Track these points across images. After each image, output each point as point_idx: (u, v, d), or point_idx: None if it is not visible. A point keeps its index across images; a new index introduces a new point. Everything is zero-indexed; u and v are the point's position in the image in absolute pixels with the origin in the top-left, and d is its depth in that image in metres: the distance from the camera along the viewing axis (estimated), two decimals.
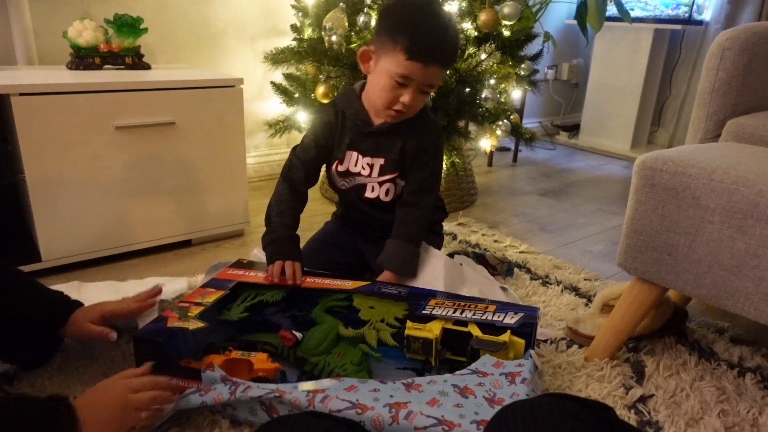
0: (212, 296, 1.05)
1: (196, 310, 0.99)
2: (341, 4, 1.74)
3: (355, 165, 1.21)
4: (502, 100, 1.95)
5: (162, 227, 1.54)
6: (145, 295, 1.05)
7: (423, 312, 1.01)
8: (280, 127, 2.04)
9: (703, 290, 0.96)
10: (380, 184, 1.22)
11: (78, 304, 1.03)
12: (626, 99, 3.01)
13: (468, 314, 1.00)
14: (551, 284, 1.47)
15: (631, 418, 0.97)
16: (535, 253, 1.68)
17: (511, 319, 0.97)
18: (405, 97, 1.08)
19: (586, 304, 1.37)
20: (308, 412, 0.70)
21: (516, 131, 2.08)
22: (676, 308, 1.21)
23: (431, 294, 1.07)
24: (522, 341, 0.96)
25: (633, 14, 2.83)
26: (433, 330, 0.98)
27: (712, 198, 0.91)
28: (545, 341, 1.19)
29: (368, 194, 1.23)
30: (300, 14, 1.97)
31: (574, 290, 1.44)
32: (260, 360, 0.95)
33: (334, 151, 1.22)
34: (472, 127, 2.02)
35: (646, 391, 1.04)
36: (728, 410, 1.00)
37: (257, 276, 1.13)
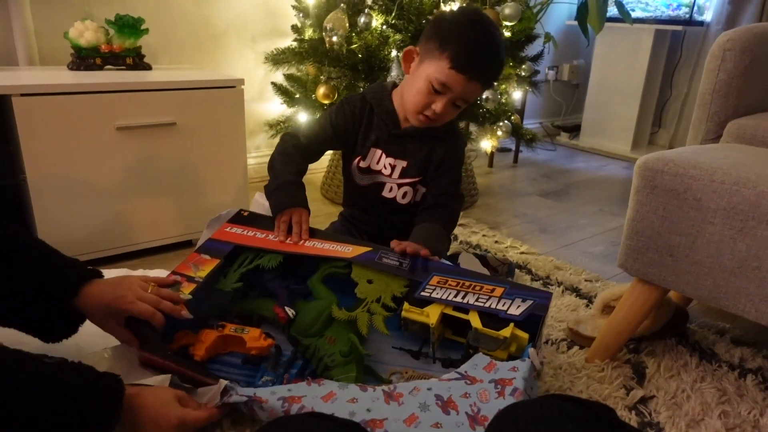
0: (207, 267, 1.02)
1: (188, 288, 0.96)
2: (342, 4, 1.74)
3: (377, 163, 1.20)
4: (503, 100, 1.95)
5: (163, 227, 1.54)
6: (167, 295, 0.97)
7: (422, 294, 0.95)
8: (281, 127, 2.04)
9: (704, 291, 0.96)
10: (399, 185, 1.20)
11: (94, 274, 0.95)
12: (627, 100, 3.01)
13: (471, 299, 0.93)
14: (552, 285, 1.47)
15: (632, 420, 0.97)
16: (535, 254, 1.68)
17: (516, 309, 0.90)
18: (437, 105, 1.07)
19: (587, 305, 1.37)
20: (310, 413, 0.70)
21: (517, 132, 2.08)
22: (677, 309, 1.21)
23: (435, 268, 1.00)
24: (525, 336, 0.89)
25: (634, 15, 2.83)
26: (431, 315, 0.93)
27: (713, 199, 0.91)
28: (545, 342, 1.19)
29: (385, 193, 1.22)
30: (301, 15, 1.98)
31: (575, 291, 1.44)
32: (253, 338, 0.94)
33: (356, 146, 1.20)
34: (472, 128, 2.02)
35: (647, 392, 1.04)
36: (729, 412, 1.00)
37: (256, 237, 1.09)
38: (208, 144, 1.55)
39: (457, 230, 1.82)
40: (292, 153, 1.17)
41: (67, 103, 1.31)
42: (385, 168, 1.20)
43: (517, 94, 2.07)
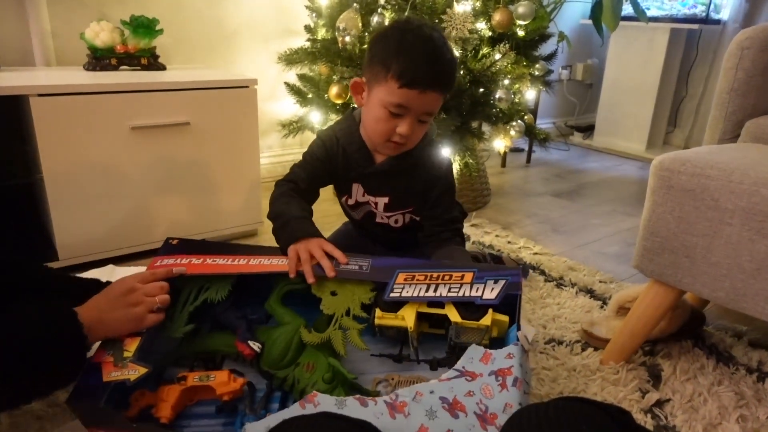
0: None
1: (132, 345, 0.84)
2: (355, 4, 1.74)
3: (363, 196, 1.15)
4: (516, 100, 1.93)
5: (176, 226, 1.55)
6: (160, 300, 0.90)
7: (392, 296, 0.88)
8: (294, 127, 2.04)
9: (721, 293, 0.94)
10: (388, 216, 1.16)
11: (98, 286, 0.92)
12: (641, 99, 2.98)
13: (443, 291, 0.87)
14: (566, 286, 1.45)
15: (648, 423, 0.96)
16: (549, 254, 1.67)
17: (491, 293, 0.85)
18: (402, 128, 0.99)
19: (602, 307, 1.35)
20: (323, 412, 0.70)
21: (530, 132, 2.07)
22: (693, 311, 1.20)
23: (397, 264, 0.93)
24: (505, 318, 0.86)
25: (649, 13, 2.80)
26: (407, 318, 0.87)
27: (731, 200, 0.90)
28: (552, 343, 1.18)
29: (378, 220, 1.19)
30: (314, 15, 1.98)
31: (589, 292, 1.43)
32: (222, 383, 0.85)
33: (340, 184, 1.17)
34: (485, 128, 2.01)
35: (663, 395, 1.03)
36: (747, 415, 0.98)
37: (192, 264, 0.96)
38: (222, 143, 1.56)
39: (469, 230, 1.81)
40: (293, 195, 1.09)
41: (83, 103, 1.32)
42: (370, 203, 1.15)
43: (530, 94, 2.05)
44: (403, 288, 0.89)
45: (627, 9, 2.58)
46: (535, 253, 1.67)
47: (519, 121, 1.97)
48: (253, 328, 0.93)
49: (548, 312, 1.32)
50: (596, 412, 0.56)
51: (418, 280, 0.89)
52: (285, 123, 2.08)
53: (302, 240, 0.96)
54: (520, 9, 1.74)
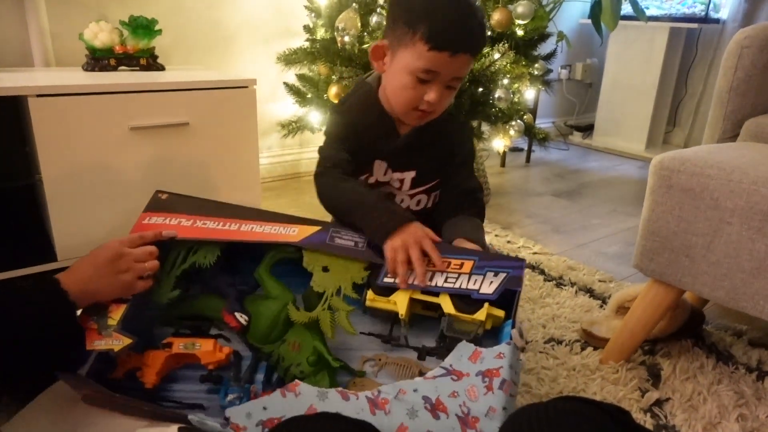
0: None
1: (117, 312, 0.82)
2: (354, 4, 1.74)
3: (384, 175, 1.06)
4: (516, 100, 1.93)
5: None
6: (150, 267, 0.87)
7: (385, 281, 0.85)
8: (293, 127, 2.05)
9: (721, 292, 0.94)
10: (412, 196, 1.08)
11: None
12: (641, 99, 2.98)
13: (439, 280, 0.84)
14: (565, 286, 1.45)
15: (647, 422, 0.96)
16: (548, 254, 1.67)
17: (489, 287, 0.82)
18: (431, 95, 0.92)
19: (601, 306, 1.35)
20: (323, 413, 0.70)
21: (529, 131, 2.07)
22: (692, 310, 1.19)
23: None
24: (501, 313, 0.83)
25: (648, 13, 2.80)
26: (399, 304, 0.84)
27: (730, 199, 0.90)
28: (552, 342, 1.18)
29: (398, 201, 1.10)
30: (313, 15, 1.98)
31: (589, 292, 1.43)
32: (207, 352, 0.85)
33: (360, 161, 1.06)
34: (485, 127, 2.01)
35: (663, 394, 1.03)
36: (747, 415, 0.98)
37: (181, 225, 0.93)
38: (221, 144, 1.56)
39: None
40: (348, 179, 0.99)
41: (82, 103, 1.32)
42: (393, 182, 1.07)
43: (529, 93, 2.05)
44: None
45: (626, 8, 2.58)
46: (535, 253, 1.67)
47: (518, 120, 1.97)
48: (242, 298, 0.91)
49: (548, 311, 1.32)
50: (596, 411, 0.56)
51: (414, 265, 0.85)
52: (284, 123, 2.08)
53: (398, 231, 0.86)
54: (519, 8, 1.74)
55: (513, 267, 0.84)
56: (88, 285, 0.79)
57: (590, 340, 1.19)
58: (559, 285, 1.46)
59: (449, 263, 0.85)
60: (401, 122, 1.02)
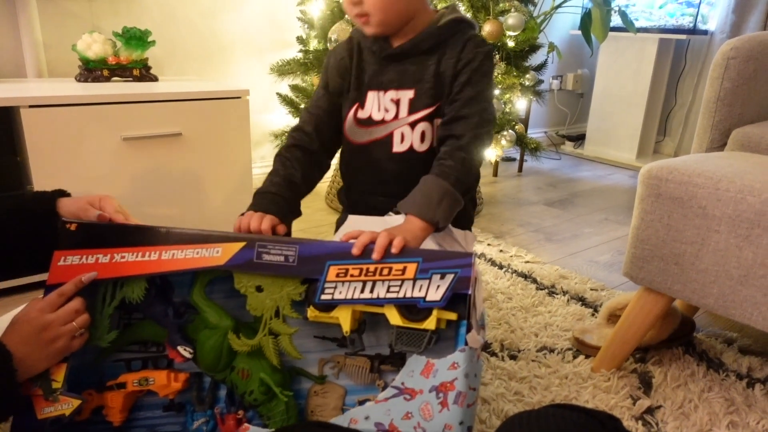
0: None
1: (59, 373, 0.79)
2: (346, 16, 1.76)
3: (378, 109, 0.96)
4: (507, 110, 1.95)
5: None
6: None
7: (323, 298, 0.79)
8: (286, 137, 2.05)
9: (710, 300, 0.95)
10: (412, 126, 0.94)
11: (61, 194, 0.94)
12: (632, 108, 3.01)
13: (381, 290, 0.78)
14: (557, 294, 1.46)
15: (639, 430, 0.96)
16: (540, 263, 1.68)
17: (436, 292, 0.76)
18: None
19: (593, 314, 1.36)
20: (313, 422, 0.70)
21: (521, 141, 2.09)
22: (683, 318, 1.20)
23: (328, 254, 0.81)
24: (453, 316, 0.76)
25: (637, 24, 2.84)
26: (342, 320, 0.80)
27: (718, 207, 0.91)
28: (544, 350, 1.18)
29: (397, 148, 0.96)
30: (306, 26, 1.99)
31: (581, 300, 1.43)
32: (162, 386, 0.83)
33: (350, 93, 0.98)
34: None
35: (654, 402, 1.03)
36: (738, 422, 0.99)
37: (99, 263, 0.86)
38: (214, 154, 1.56)
39: None
40: (285, 156, 0.98)
41: (75, 114, 1.32)
42: (388, 111, 0.95)
43: (521, 104, 2.07)
44: (335, 287, 0.79)
45: (616, 20, 2.62)
46: (527, 262, 1.68)
47: (510, 130, 1.99)
48: (183, 326, 0.87)
49: (540, 320, 1.32)
50: (587, 419, 0.56)
51: (352, 275, 0.79)
52: (277, 133, 2.09)
53: (247, 215, 0.89)
54: (510, 20, 1.76)
55: (461, 266, 0.76)
56: (20, 365, 0.75)
57: (582, 349, 1.20)
58: (551, 293, 1.46)
59: (390, 269, 0.79)
60: (398, 38, 0.94)
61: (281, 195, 0.94)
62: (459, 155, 0.88)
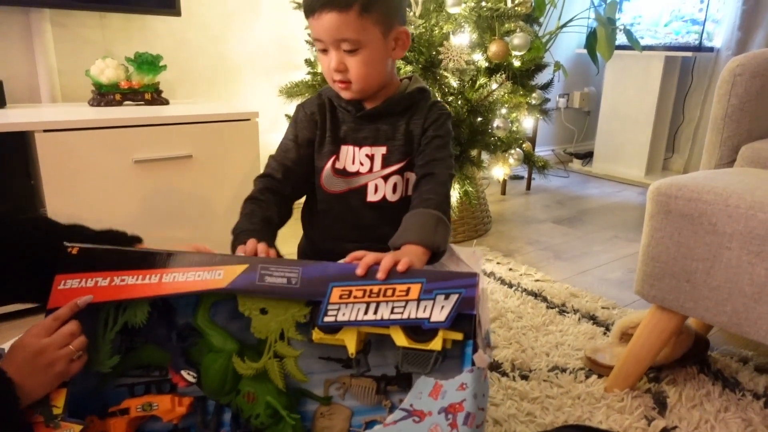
0: None
1: (59, 399, 0.77)
2: None
3: (353, 162, 1.04)
4: (514, 128, 1.96)
5: None
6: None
7: (326, 320, 0.79)
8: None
9: (723, 318, 0.94)
10: (385, 179, 1.03)
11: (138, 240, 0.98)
12: (639, 126, 3.01)
13: (385, 312, 0.78)
14: (568, 313, 1.45)
15: None
16: (551, 281, 1.66)
17: (441, 312, 0.75)
18: (332, 62, 0.94)
19: (605, 333, 1.35)
20: None
21: (529, 159, 2.09)
22: (697, 336, 1.19)
23: (331, 276, 0.80)
24: (459, 336, 0.76)
25: (643, 42, 2.85)
26: (347, 342, 0.79)
27: (728, 224, 0.90)
28: (556, 370, 1.17)
29: (371, 197, 1.04)
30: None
31: (592, 319, 1.42)
32: (166, 410, 0.81)
33: (325, 146, 1.04)
34: (484, 156, 2.03)
35: (669, 422, 1.02)
36: None
37: (98, 287, 0.85)
38: (224, 176, 1.58)
39: None
40: (258, 199, 1.03)
41: (87, 138, 1.35)
42: (362, 164, 1.03)
43: (528, 122, 2.08)
44: (339, 309, 0.79)
45: (621, 38, 2.63)
46: (537, 280, 1.67)
47: (517, 149, 1.99)
48: (187, 350, 0.86)
49: (551, 339, 1.31)
50: None
51: (356, 297, 0.79)
52: None
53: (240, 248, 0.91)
54: (516, 40, 1.78)
55: (465, 286, 0.76)
56: (19, 391, 0.74)
57: (595, 368, 1.18)
58: (561, 312, 1.45)
59: (394, 290, 0.78)
60: (370, 101, 1.03)
61: (263, 232, 0.98)
62: (440, 190, 0.98)
